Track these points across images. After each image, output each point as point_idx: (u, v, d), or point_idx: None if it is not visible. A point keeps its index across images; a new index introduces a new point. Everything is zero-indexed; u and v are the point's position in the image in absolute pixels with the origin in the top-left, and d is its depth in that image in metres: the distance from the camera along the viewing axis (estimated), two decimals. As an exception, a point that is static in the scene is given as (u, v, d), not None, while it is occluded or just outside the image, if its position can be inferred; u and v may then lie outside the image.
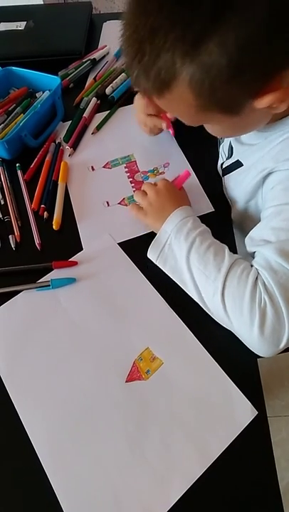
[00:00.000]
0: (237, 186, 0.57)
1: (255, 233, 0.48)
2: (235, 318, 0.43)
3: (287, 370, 1.29)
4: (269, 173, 0.48)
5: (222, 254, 0.47)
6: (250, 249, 0.48)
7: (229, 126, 0.45)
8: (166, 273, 0.51)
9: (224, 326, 0.46)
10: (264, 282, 0.43)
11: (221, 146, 0.64)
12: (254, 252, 0.47)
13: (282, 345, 0.42)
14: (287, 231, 0.43)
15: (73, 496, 0.38)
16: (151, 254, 0.52)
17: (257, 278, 0.44)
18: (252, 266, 0.46)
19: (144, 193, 0.57)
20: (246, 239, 0.49)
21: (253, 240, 0.48)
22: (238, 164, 0.55)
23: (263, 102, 0.37)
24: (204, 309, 0.47)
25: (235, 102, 0.39)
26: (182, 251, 0.48)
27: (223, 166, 0.61)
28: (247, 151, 0.54)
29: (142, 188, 0.58)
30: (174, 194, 0.55)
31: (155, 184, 0.57)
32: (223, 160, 0.62)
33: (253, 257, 0.47)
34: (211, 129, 0.48)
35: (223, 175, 0.61)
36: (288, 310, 0.41)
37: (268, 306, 0.42)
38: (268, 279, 0.43)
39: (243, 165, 0.55)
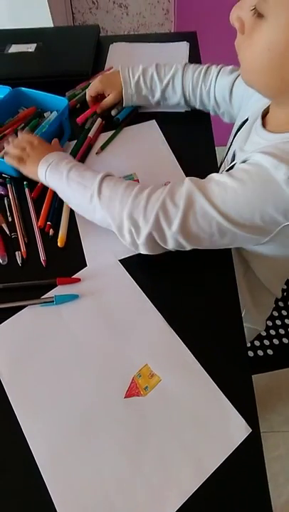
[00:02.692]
0: None
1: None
2: (108, 208, 0.53)
3: (286, 384, 1.29)
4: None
5: (96, 172, 0.56)
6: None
7: (277, 41, 0.40)
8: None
9: (103, 221, 0.55)
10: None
11: (224, 159, 0.66)
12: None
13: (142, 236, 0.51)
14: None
15: (71, 507, 0.40)
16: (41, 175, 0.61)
17: (130, 183, 0.53)
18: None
19: (22, 147, 0.64)
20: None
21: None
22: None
23: None
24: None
25: None
26: (62, 173, 0.57)
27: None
28: None
29: (15, 142, 0.66)
30: (47, 145, 0.66)
31: (29, 141, 0.65)
32: (222, 170, 0.64)
33: None
34: (255, 38, 0.43)
35: None
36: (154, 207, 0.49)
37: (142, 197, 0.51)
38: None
39: None
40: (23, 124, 0.76)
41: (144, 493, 0.40)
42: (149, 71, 0.76)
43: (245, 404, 0.45)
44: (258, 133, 0.54)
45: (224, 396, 0.45)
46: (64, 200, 0.61)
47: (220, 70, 0.75)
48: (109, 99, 0.78)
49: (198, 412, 0.45)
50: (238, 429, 0.43)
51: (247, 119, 0.61)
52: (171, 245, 0.52)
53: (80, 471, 0.42)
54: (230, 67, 0.75)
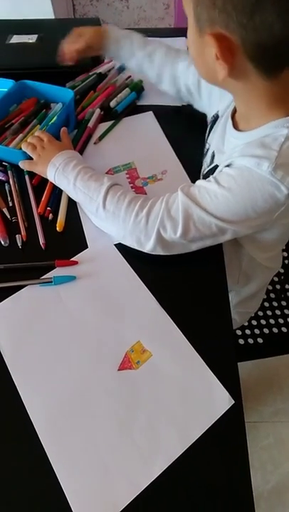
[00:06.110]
0: None
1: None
2: (112, 222, 0.57)
3: (276, 376, 1.33)
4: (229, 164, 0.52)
5: (102, 179, 0.59)
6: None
7: (191, 34, 0.48)
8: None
9: (108, 231, 0.60)
10: (148, 201, 0.55)
11: (204, 157, 0.69)
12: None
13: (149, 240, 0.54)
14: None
15: (69, 469, 0.43)
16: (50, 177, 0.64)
17: (132, 199, 0.56)
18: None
19: (33, 146, 0.66)
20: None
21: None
22: (215, 169, 0.60)
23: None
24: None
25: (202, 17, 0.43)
26: (70, 180, 0.60)
27: (203, 173, 0.66)
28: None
29: (28, 141, 0.67)
30: (55, 144, 0.67)
31: (40, 138, 0.67)
32: (204, 169, 0.67)
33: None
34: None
35: None
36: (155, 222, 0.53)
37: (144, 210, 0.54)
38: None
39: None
40: (32, 117, 0.77)
41: (133, 456, 0.44)
42: (134, 35, 0.77)
43: (230, 378, 0.48)
44: (232, 134, 0.57)
45: (210, 370, 0.49)
46: None
47: None
48: (87, 37, 0.79)
49: (185, 385, 0.48)
50: (222, 401, 0.47)
51: (217, 116, 0.63)
52: (176, 251, 0.56)
53: (76, 438, 0.45)
54: None
